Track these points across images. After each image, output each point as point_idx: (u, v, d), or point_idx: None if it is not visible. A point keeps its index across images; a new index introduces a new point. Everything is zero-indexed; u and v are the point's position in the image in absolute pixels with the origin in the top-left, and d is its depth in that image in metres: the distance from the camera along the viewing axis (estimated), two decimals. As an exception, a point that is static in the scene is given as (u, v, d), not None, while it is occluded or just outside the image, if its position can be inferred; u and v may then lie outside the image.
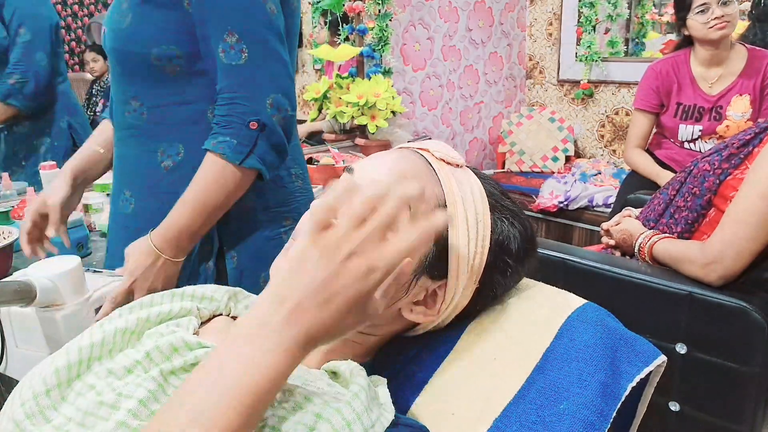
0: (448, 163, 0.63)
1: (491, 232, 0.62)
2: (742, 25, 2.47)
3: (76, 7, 2.29)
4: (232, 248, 1.00)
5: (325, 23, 2.63)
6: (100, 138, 1.15)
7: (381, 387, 0.54)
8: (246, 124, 0.88)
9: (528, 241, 0.65)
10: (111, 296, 0.88)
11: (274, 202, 1.02)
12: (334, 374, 0.55)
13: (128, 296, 0.90)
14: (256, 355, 0.43)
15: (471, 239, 0.60)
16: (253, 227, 1.01)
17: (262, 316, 0.45)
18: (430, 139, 0.70)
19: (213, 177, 0.90)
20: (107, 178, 1.18)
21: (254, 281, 1.01)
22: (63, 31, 2.29)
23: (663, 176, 2.15)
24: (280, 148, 0.92)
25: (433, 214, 0.47)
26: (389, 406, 0.52)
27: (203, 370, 0.44)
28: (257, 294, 0.75)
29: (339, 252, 0.45)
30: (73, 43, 2.36)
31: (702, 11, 2.03)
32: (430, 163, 0.62)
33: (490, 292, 0.64)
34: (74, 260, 0.83)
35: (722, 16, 2.00)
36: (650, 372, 0.59)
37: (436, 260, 0.60)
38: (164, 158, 0.97)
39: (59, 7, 2.22)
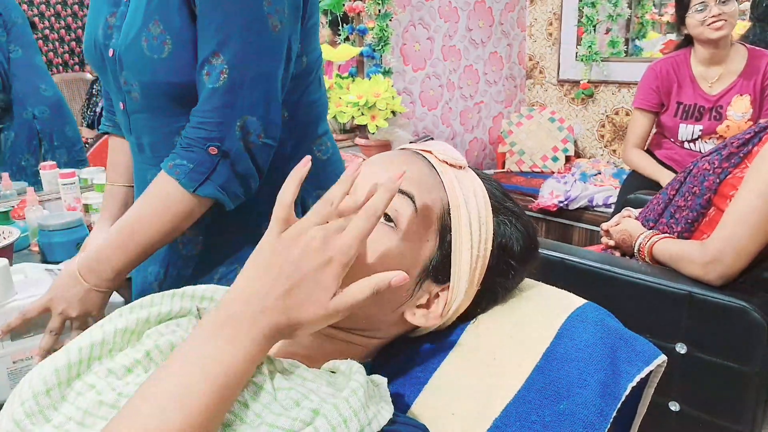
0: (451, 165, 0.62)
1: (494, 234, 0.62)
2: (742, 25, 2.47)
3: (76, 7, 2.30)
4: None
5: (327, 22, 2.63)
6: (125, 172, 1.08)
7: (380, 386, 0.54)
8: (206, 149, 0.80)
9: (530, 242, 0.65)
10: (24, 309, 0.83)
11: None
12: (333, 374, 0.55)
13: (43, 313, 0.84)
14: (226, 347, 0.47)
15: (474, 243, 0.60)
16: None
17: (231, 309, 0.49)
18: (432, 139, 0.70)
19: (160, 201, 0.82)
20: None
21: None
22: (63, 31, 2.28)
23: (660, 175, 2.15)
24: (246, 177, 0.84)
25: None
26: (388, 404, 0.52)
27: (177, 358, 0.47)
28: None
29: (298, 242, 0.49)
30: (73, 43, 2.36)
31: (700, 9, 2.03)
32: (433, 166, 0.62)
33: (492, 294, 0.64)
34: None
35: (720, 14, 2.00)
36: (650, 372, 0.59)
37: (440, 264, 0.60)
38: None
39: (59, 6, 2.23)
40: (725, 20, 2.01)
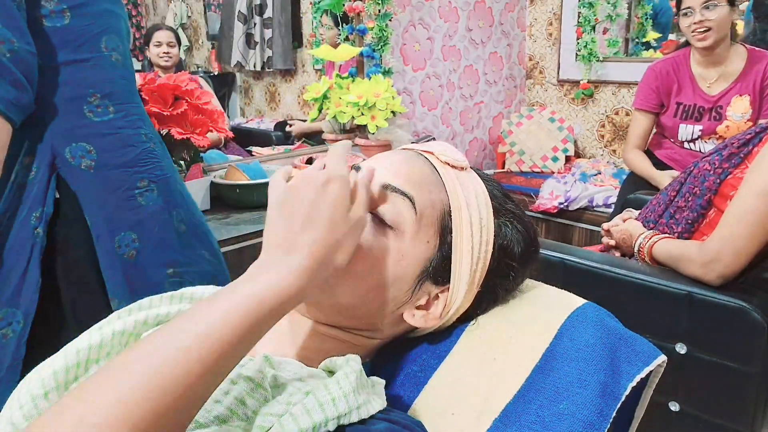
0: (453, 166, 0.62)
1: (494, 236, 0.62)
2: (742, 25, 2.47)
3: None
4: (85, 211, 0.96)
5: (335, 23, 2.62)
6: None
7: (377, 386, 0.54)
8: None
9: (530, 244, 0.65)
10: None
11: (124, 161, 0.99)
12: (331, 373, 0.55)
13: None
14: (259, 282, 0.46)
15: (474, 245, 0.60)
16: (102, 187, 0.97)
17: (259, 262, 0.49)
18: (433, 139, 0.70)
19: None
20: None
21: (109, 246, 0.97)
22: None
23: (657, 178, 2.15)
24: (15, 82, 0.83)
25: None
26: (382, 398, 0.52)
27: (211, 301, 0.46)
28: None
29: (297, 185, 0.51)
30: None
31: (686, 14, 2.02)
32: (434, 167, 0.62)
33: (492, 295, 0.64)
34: None
35: (703, 20, 1.97)
36: (650, 372, 0.59)
37: (440, 266, 0.60)
38: None
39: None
40: (709, 27, 1.98)
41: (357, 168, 0.62)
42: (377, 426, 0.48)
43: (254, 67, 2.99)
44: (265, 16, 2.89)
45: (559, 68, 3.22)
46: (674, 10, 2.20)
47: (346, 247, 0.50)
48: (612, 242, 1.52)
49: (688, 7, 2.00)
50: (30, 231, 0.94)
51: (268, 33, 2.89)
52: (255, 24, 2.92)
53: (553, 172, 3.01)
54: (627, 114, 3.02)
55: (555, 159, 3.06)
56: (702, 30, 1.99)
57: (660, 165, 2.26)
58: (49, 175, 0.94)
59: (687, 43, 2.20)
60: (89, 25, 0.97)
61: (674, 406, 1.28)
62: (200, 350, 0.42)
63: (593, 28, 3.00)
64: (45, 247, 0.94)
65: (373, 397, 0.51)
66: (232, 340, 0.43)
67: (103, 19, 0.99)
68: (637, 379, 0.57)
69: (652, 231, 1.40)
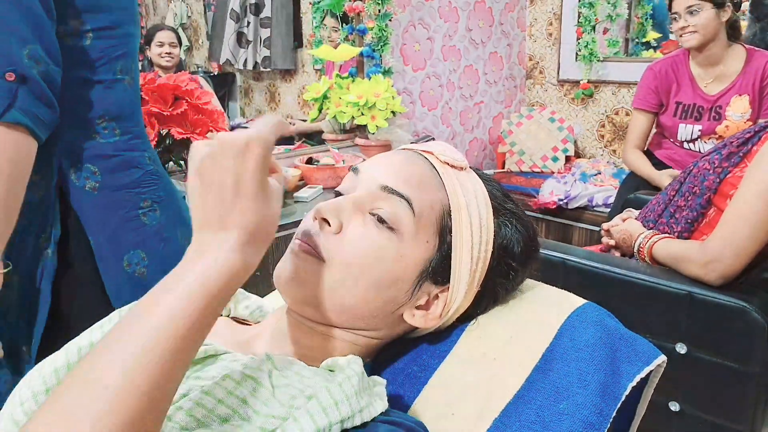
0: (452, 166, 0.62)
1: (494, 236, 0.62)
2: (745, 26, 2.47)
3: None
4: (88, 231, 0.96)
5: (341, 26, 2.61)
6: None
7: (378, 386, 0.54)
8: (2, 76, 0.79)
9: (530, 243, 0.65)
10: None
11: (128, 182, 0.99)
12: (332, 372, 0.55)
13: None
14: (205, 265, 0.44)
15: (474, 244, 0.60)
16: (105, 208, 0.97)
17: (195, 245, 0.46)
18: (433, 139, 0.70)
19: None
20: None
21: (116, 264, 0.98)
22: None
23: (657, 178, 2.15)
24: (47, 103, 0.85)
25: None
26: (383, 401, 0.52)
27: (152, 297, 0.44)
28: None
29: (206, 161, 0.46)
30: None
31: (674, 19, 2.11)
32: (434, 167, 0.62)
33: (492, 295, 0.64)
34: None
35: (686, 26, 2.05)
36: (650, 372, 0.59)
37: (440, 266, 0.60)
38: None
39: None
40: (693, 31, 2.05)
41: (355, 170, 0.62)
42: (378, 429, 0.49)
43: (245, 65, 2.97)
44: (262, 15, 2.88)
45: (559, 68, 3.22)
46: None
47: (275, 220, 0.48)
48: (612, 242, 1.52)
49: (675, 13, 2.09)
50: (40, 252, 0.93)
51: (264, 32, 2.89)
52: (249, 23, 2.91)
53: (553, 172, 3.01)
54: (627, 114, 3.02)
55: (555, 159, 3.06)
56: (687, 34, 2.07)
57: (660, 165, 2.26)
58: (56, 195, 0.94)
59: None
60: (109, 48, 0.97)
61: (674, 406, 1.28)
62: (155, 348, 0.40)
63: (593, 28, 3.00)
64: (56, 267, 0.94)
65: (375, 399, 0.51)
66: (185, 334, 0.42)
67: (123, 43, 0.99)
68: (637, 379, 0.57)
69: (651, 231, 1.40)
